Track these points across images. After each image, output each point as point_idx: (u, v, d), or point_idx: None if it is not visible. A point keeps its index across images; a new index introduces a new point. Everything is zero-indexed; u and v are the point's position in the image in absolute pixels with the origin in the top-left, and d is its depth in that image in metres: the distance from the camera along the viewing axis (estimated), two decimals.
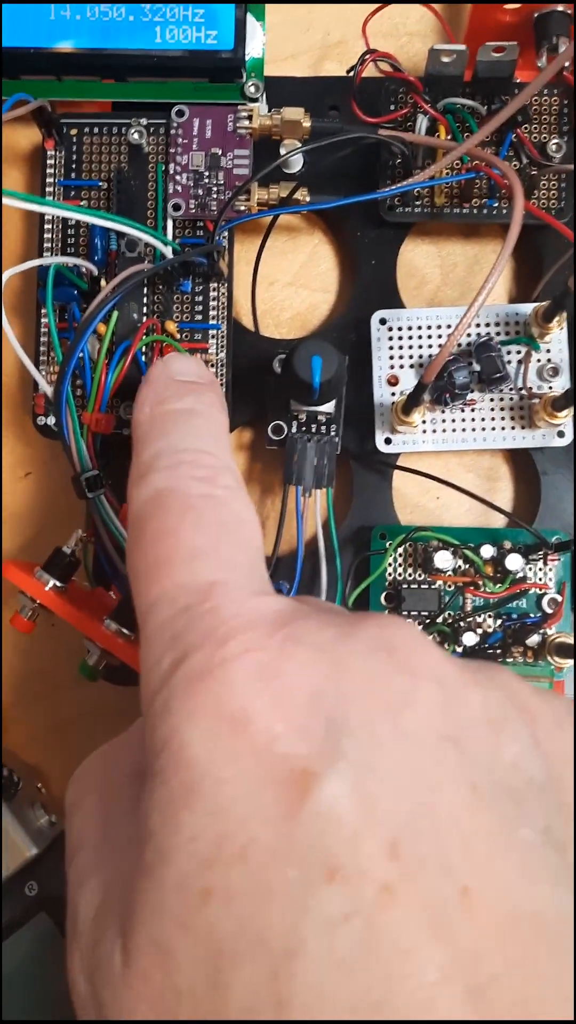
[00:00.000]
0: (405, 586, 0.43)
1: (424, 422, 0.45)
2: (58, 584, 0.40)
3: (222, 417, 0.32)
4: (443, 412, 0.45)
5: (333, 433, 0.44)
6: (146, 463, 0.29)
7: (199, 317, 0.46)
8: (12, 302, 0.50)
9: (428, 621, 0.44)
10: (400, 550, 0.45)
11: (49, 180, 0.46)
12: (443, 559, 0.42)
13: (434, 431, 0.45)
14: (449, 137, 0.45)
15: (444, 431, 0.45)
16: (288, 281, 0.50)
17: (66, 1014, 0.41)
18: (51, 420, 0.45)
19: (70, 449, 0.40)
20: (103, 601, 0.42)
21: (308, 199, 0.45)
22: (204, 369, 0.34)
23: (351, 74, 0.45)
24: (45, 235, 0.46)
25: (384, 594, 0.44)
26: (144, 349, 0.44)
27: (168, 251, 0.44)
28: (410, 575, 0.45)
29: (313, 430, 0.44)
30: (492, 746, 0.22)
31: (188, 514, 0.27)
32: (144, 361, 0.44)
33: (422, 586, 0.44)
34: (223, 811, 0.20)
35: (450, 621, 0.43)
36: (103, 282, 0.44)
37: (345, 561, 0.46)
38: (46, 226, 0.46)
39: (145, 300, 0.45)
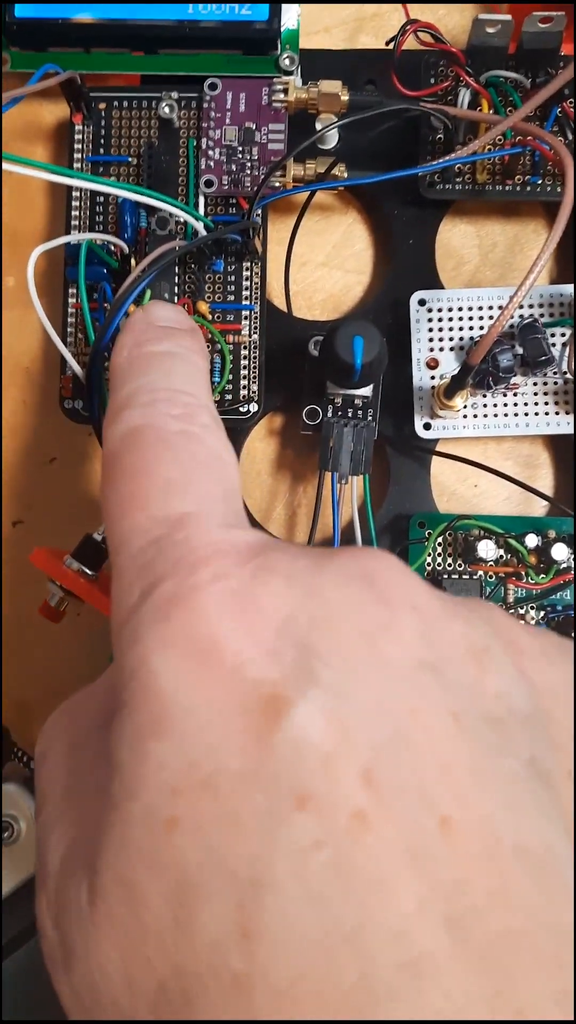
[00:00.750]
0: (446, 576, 0.42)
1: (465, 407, 0.43)
2: (88, 572, 0.39)
3: (202, 361, 0.31)
4: (485, 396, 0.43)
5: (370, 418, 0.43)
6: (122, 401, 0.28)
7: (231, 297, 0.44)
8: (37, 280, 0.48)
9: None
10: (440, 539, 0.43)
11: (77, 156, 0.45)
12: (486, 548, 0.41)
13: (475, 416, 0.44)
14: (492, 111, 0.43)
15: (486, 416, 0.44)
16: (321, 261, 0.48)
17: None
18: (79, 404, 0.44)
19: (99, 431, 0.39)
20: None
21: (346, 175, 0.43)
22: (185, 316, 0.34)
23: (391, 46, 0.43)
24: (73, 212, 0.45)
25: (419, 570, 0.43)
26: None
27: (201, 228, 0.42)
28: (450, 565, 0.43)
29: (349, 415, 0.43)
30: (475, 676, 0.21)
31: (163, 450, 0.26)
32: None
33: (463, 576, 0.42)
34: (192, 740, 0.20)
35: None
36: (133, 261, 0.42)
37: (383, 548, 0.44)
38: (73, 203, 0.45)
39: (176, 280, 0.43)
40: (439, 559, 0.43)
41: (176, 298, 0.43)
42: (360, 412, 0.43)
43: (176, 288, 0.43)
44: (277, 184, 0.43)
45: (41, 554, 0.39)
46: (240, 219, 0.43)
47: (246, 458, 0.47)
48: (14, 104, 0.40)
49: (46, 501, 0.48)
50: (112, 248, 0.42)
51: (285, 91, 0.43)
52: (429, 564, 0.43)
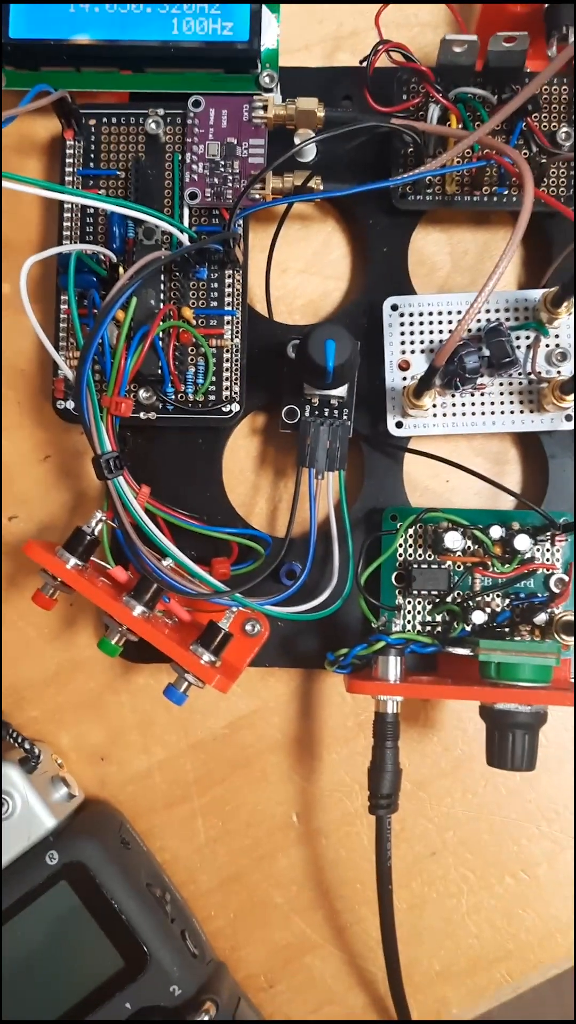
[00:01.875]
0: (415, 566, 0.44)
1: (435, 406, 0.46)
2: (79, 563, 0.42)
3: None
4: (453, 396, 0.46)
5: (345, 417, 0.45)
6: None
7: (214, 303, 0.47)
8: (31, 288, 0.51)
9: (438, 600, 0.45)
10: (411, 531, 0.46)
11: (68, 169, 0.47)
12: (453, 540, 0.44)
13: (444, 415, 0.46)
14: (460, 126, 0.46)
15: (455, 415, 0.46)
16: (301, 268, 0.51)
17: (84, 985, 0.43)
18: (70, 404, 0.47)
19: (90, 431, 0.41)
20: (121, 579, 0.43)
21: (322, 187, 0.46)
22: None
23: (364, 64, 0.46)
24: (64, 223, 0.47)
25: (395, 574, 0.45)
26: (161, 335, 0.45)
27: (185, 238, 0.45)
28: (420, 555, 0.46)
29: (326, 414, 0.45)
30: None
31: None
32: (161, 346, 0.45)
33: (432, 566, 0.45)
34: None
35: (459, 601, 0.44)
36: (121, 269, 0.45)
37: (357, 541, 0.47)
38: (65, 215, 0.47)
39: (162, 287, 0.46)
40: (410, 550, 0.46)
41: (161, 304, 0.46)
42: (336, 411, 0.45)
43: (162, 295, 0.46)
44: (257, 196, 0.45)
45: (35, 546, 0.41)
46: (222, 230, 0.46)
47: (229, 456, 0.50)
48: (9, 123, 0.42)
49: (40, 497, 0.51)
50: (101, 258, 0.44)
51: (265, 108, 0.45)
52: (400, 555, 0.46)
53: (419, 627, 0.45)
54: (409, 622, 0.45)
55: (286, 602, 0.43)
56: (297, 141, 0.46)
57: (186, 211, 0.46)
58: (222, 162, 0.46)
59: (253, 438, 0.50)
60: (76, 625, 0.50)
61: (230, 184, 0.46)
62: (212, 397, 0.47)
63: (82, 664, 0.50)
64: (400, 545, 0.45)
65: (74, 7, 0.46)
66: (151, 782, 0.50)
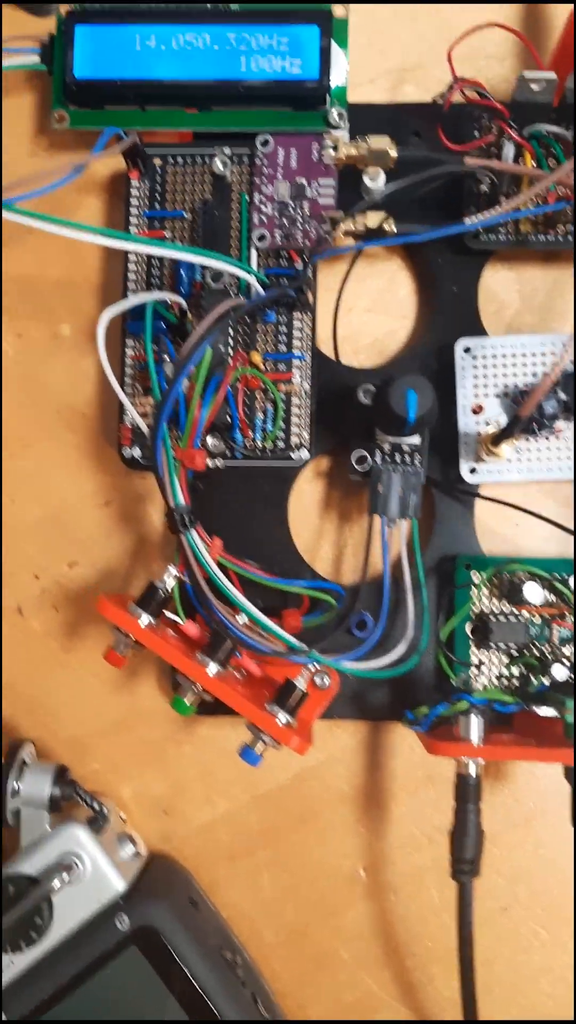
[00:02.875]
0: (492, 618, 0.43)
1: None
2: (152, 620, 0.40)
3: None
4: (528, 441, 0.45)
5: (418, 463, 0.44)
6: None
7: (283, 347, 0.46)
8: (86, 327, 0.50)
9: (515, 653, 0.43)
10: (486, 580, 0.44)
11: (133, 211, 0.46)
12: (532, 591, 0.42)
13: (519, 460, 0.45)
14: (535, 164, 0.44)
15: (530, 460, 0.45)
16: (367, 307, 0.50)
17: None
18: (136, 452, 0.46)
19: (164, 484, 0.40)
20: (193, 634, 0.42)
21: (395, 229, 0.44)
22: None
23: (439, 101, 0.44)
24: (129, 264, 0.46)
25: (471, 626, 0.44)
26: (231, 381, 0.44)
27: (254, 281, 0.44)
28: (496, 606, 0.44)
29: (398, 460, 0.44)
30: None
31: None
32: (232, 394, 0.44)
33: (509, 618, 0.43)
34: None
35: (538, 655, 0.43)
36: (190, 316, 0.44)
37: (429, 590, 0.45)
38: (130, 255, 0.46)
39: (230, 331, 0.45)
40: (485, 600, 0.44)
41: (231, 351, 0.45)
42: (408, 458, 0.44)
43: (230, 340, 0.45)
44: (328, 238, 0.44)
45: (107, 603, 0.40)
46: (293, 272, 0.45)
47: (294, 500, 0.48)
48: (79, 173, 0.41)
49: (101, 542, 0.50)
50: (170, 303, 0.43)
51: (335, 148, 0.44)
52: (475, 606, 0.44)
53: (495, 681, 0.44)
54: (485, 675, 0.44)
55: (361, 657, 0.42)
56: (367, 181, 0.45)
57: (254, 253, 0.45)
58: (291, 203, 0.45)
59: (318, 481, 0.49)
60: (138, 675, 0.49)
61: (299, 225, 0.45)
62: (280, 443, 0.45)
63: (144, 714, 0.49)
64: (474, 594, 0.44)
65: (140, 45, 0.45)
66: (215, 835, 0.48)
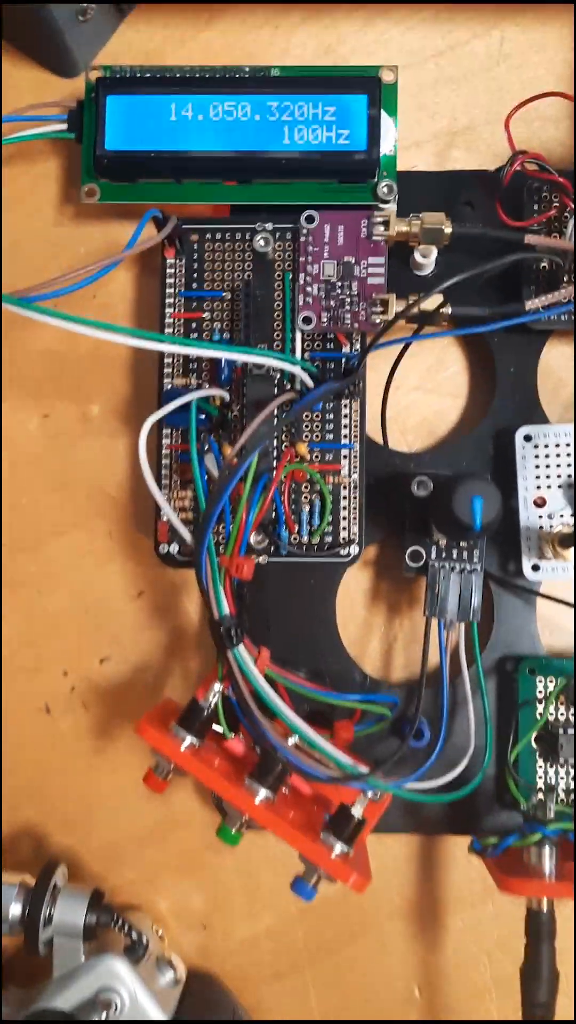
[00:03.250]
0: (561, 731, 0.40)
1: None
2: (195, 741, 0.38)
3: None
4: None
5: (476, 560, 0.41)
6: None
7: (330, 436, 0.43)
8: (123, 409, 0.47)
9: None
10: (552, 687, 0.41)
11: (169, 291, 0.43)
12: None
13: None
14: None
15: None
16: (415, 385, 0.47)
17: None
18: (174, 548, 0.43)
19: (208, 595, 0.37)
20: (239, 752, 0.39)
21: (450, 310, 0.42)
22: None
23: (499, 174, 0.42)
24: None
25: (535, 735, 0.41)
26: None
27: (300, 372, 0.41)
28: (562, 715, 0.41)
29: (455, 556, 0.41)
30: None
31: None
32: (278, 495, 0.41)
33: None
34: None
35: None
36: (232, 406, 0.41)
37: (490, 691, 0.43)
38: (166, 329, 0.43)
39: (276, 421, 0.42)
40: (550, 707, 0.41)
41: (277, 441, 0.42)
42: (467, 554, 0.41)
43: (275, 431, 0.42)
44: (378, 321, 0.41)
45: (148, 727, 0.37)
46: (341, 356, 0.42)
47: (342, 591, 0.45)
48: (114, 267, 0.38)
49: (133, 636, 0.47)
50: (212, 398, 0.40)
51: (386, 224, 0.42)
52: (541, 713, 0.41)
53: (562, 796, 0.41)
54: (555, 786, 0.41)
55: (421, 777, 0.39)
56: (419, 258, 0.42)
57: (299, 336, 0.42)
58: (338, 283, 0.42)
59: (366, 571, 0.46)
60: (174, 779, 0.46)
61: (347, 307, 0.42)
62: (329, 539, 0.42)
63: (181, 821, 0.46)
64: (540, 712, 0.41)
65: (176, 115, 0.42)
66: (258, 951, 0.45)
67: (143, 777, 0.38)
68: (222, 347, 0.39)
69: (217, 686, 0.38)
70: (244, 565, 0.37)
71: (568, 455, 0.42)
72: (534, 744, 0.41)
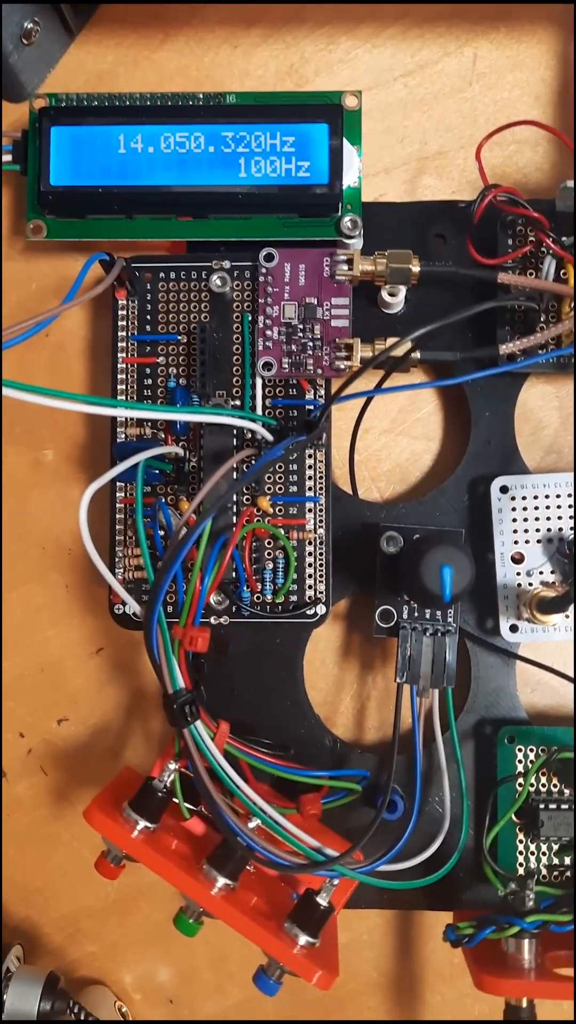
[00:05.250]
0: (543, 806, 0.38)
1: None
2: (149, 826, 0.35)
3: None
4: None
5: (451, 621, 0.38)
6: None
7: (294, 489, 0.40)
8: (77, 455, 0.45)
9: (569, 844, 0.38)
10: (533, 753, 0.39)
11: (121, 334, 0.41)
12: None
13: (567, 616, 0.39)
14: None
15: None
16: (385, 428, 0.44)
17: None
18: (129, 608, 0.40)
19: (160, 670, 0.35)
20: (198, 832, 0.37)
21: (419, 356, 0.39)
22: None
23: (469, 210, 0.39)
24: (119, 386, 0.41)
25: (516, 809, 0.39)
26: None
27: (260, 428, 0.38)
28: (544, 787, 0.39)
29: (427, 616, 0.39)
30: None
31: None
32: (238, 553, 0.38)
33: (561, 807, 0.38)
34: None
35: None
36: (187, 456, 0.38)
37: (467, 757, 0.40)
38: (119, 375, 0.41)
39: (235, 476, 0.39)
40: (531, 779, 0.39)
41: (236, 496, 0.39)
42: (439, 615, 0.38)
43: (234, 489, 0.39)
44: (342, 367, 0.39)
45: (97, 812, 0.34)
46: (304, 403, 0.39)
47: (311, 648, 0.43)
48: (53, 320, 0.35)
49: (92, 696, 0.44)
50: (165, 456, 0.38)
51: (349, 263, 0.39)
52: (520, 785, 0.39)
53: (544, 872, 0.39)
54: (534, 872, 0.39)
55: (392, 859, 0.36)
56: (387, 297, 0.40)
57: (259, 382, 0.40)
58: (300, 326, 0.39)
59: (336, 625, 0.44)
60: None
61: (310, 352, 0.39)
62: (294, 598, 0.40)
63: (146, 890, 0.44)
64: (520, 784, 0.38)
65: (125, 147, 0.40)
66: None
67: (95, 863, 0.36)
68: (173, 409, 0.36)
69: (173, 765, 0.36)
70: (198, 637, 0.35)
71: (547, 507, 0.40)
72: (515, 818, 0.39)
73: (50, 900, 0.44)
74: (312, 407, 0.40)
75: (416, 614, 0.39)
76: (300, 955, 0.34)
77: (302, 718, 0.42)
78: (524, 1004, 0.34)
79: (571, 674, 0.39)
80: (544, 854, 0.39)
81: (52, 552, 0.45)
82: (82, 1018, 0.38)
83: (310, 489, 0.40)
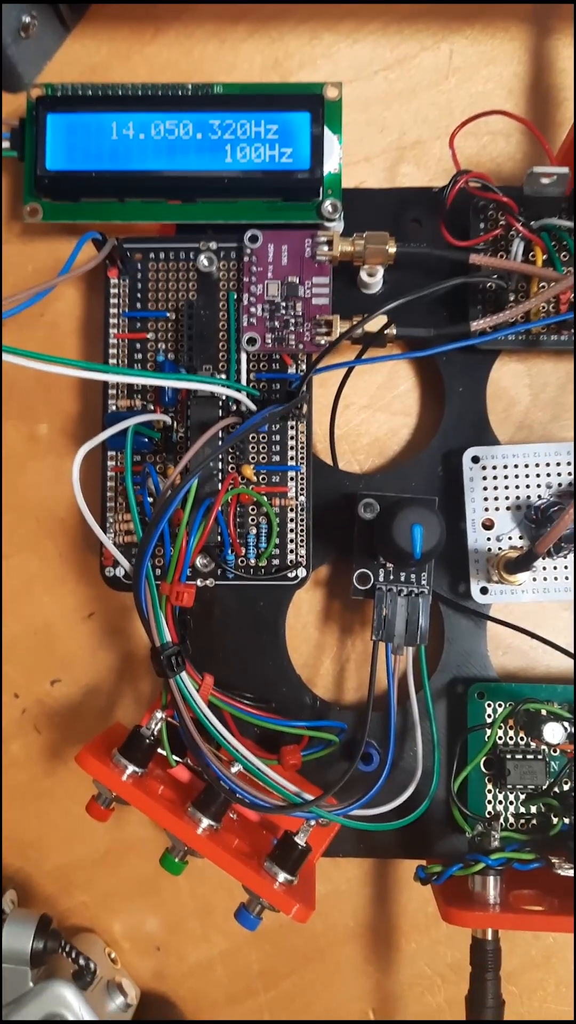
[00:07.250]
0: (509, 756, 0.40)
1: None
2: (137, 770, 0.37)
3: None
4: (543, 559, 0.41)
5: (424, 583, 0.41)
6: None
7: (276, 458, 0.42)
8: (71, 428, 0.47)
9: (534, 792, 0.40)
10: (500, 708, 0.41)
11: (113, 311, 0.43)
12: (553, 732, 0.39)
13: (534, 580, 0.41)
14: (546, 258, 0.41)
15: (546, 579, 0.41)
16: (365, 404, 0.46)
17: None
18: (119, 571, 0.42)
19: (149, 624, 0.37)
20: (183, 779, 0.39)
21: (395, 332, 0.41)
22: None
23: (443, 194, 0.41)
24: (110, 360, 0.43)
25: (484, 760, 0.41)
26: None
27: (244, 398, 0.40)
28: (512, 740, 0.41)
29: (402, 579, 0.41)
30: None
31: None
32: (223, 518, 0.40)
33: (527, 756, 0.40)
34: None
35: (558, 793, 0.40)
36: (175, 426, 0.40)
37: (440, 714, 0.42)
38: (111, 350, 0.43)
39: (220, 443, 0.41)
40: (500, 731, 0.41)
41: (221, 464, 0.41)
42: (414, 577, 0.41)
43: (218, 454, 0.41)
44: (323, 342, 0.41)
45: (88, 756, 0.37)
46: (287, 377, 0.42)
47: (293, 612, 0.45)
48: (49, 292, 0.38)
49: (85, 658, 0.46)
50: (153, 423, 0.40)
51: (329, 244, 0.41)
52: (488, 738, 0.41)
53: (512, 820, 0.41)
54: (500, 813, 0.41)
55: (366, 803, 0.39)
56: (365, 277, 0.42)
57: (243, 356, 0.42)
58: (283, 303, 0.42)
59: (317, 591, 0.46)
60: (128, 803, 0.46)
61: (292, 328, 0.41)
62: (276, 562, 0.42)
63: (135, 844, 0.46)
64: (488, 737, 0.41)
65: (117, 134, 0.42)
66: (212, 975, 0.45)
67: (86, 806, 0.38)
68: (162, 376, 0.38)
69: (160, 714, 0.38)
70: (184, 592, 0.37)
71: (516, 476, 0.42)
72: (483, 769, 0.41)
73: (44, 853, 0.46)
74: (294, 380, 0.42)
75: (391, 577, 0.41)
76: (279, 891, 0.36)
77: (284, 678, 0.44)
78: (489, 936, 0.36)
79: (531, 627, 0.41)
80: (512, 803, 0.41)
81: (47, 523, 0.47)
82: (74, 956, 0.40)
83: (292, 459, 0.42)
